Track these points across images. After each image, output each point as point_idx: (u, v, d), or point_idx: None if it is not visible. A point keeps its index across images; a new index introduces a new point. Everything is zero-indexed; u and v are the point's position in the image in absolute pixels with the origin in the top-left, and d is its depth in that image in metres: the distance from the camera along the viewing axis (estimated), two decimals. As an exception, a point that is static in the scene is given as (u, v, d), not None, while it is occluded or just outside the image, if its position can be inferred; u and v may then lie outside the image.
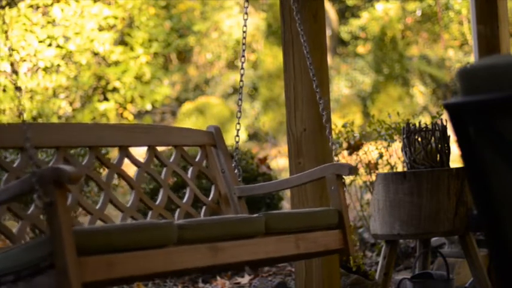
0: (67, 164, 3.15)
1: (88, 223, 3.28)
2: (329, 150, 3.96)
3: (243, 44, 3.84)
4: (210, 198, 3.75)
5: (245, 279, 5.22)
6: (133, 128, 3.57)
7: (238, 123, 3.84)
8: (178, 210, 3.63)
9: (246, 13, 3.84)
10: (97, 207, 3.35)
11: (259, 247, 3.04)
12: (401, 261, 5.32)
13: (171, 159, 3.69)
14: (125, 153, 3.51)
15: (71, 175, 2.41)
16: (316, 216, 3.31)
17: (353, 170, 3.38)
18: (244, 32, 3.84)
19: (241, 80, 3.85)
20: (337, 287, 3.93)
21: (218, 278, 5.31)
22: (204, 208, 3.72)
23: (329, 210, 3.37)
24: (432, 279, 3.93)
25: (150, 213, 3.52)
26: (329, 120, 3.79)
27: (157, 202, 3.57)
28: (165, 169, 3.66)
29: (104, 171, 5.89)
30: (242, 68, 3.84)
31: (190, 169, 3.76)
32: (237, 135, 3.85)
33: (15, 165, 3.14)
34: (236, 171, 3.82)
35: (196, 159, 3.78)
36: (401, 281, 4.12)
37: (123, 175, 3.49)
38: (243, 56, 3.85)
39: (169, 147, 5.53)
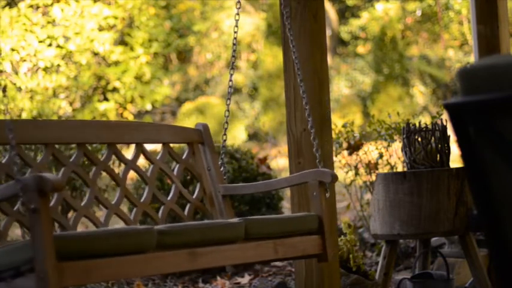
0: (55, 161, 3.18)
1: (73, 220, 3.30)
2: (329, 151, 3.96)
3: (234, 44, 3.84)
4: (194, 196, 3.76)
5: (245, 279, 5.22)
6: (122, 126, 3.58)
7: (226, 122, 3.86)
8: (162, 207, 3.65)
9: (238, 14, 3.84)
10: (82, 204, 3.37)
11: (239, 252, 3.08)
12: (401, 261, 5.32)
13: (158, 157, 3.70)
14: (112, 150, 3.52)
15: (54, 184, 2.49)
16: (296, 222, 3.35)
17: (335, 178, 3.41)
18: (235, 32, 3.85)
19: (230, 80, 3.86)
20: (337, 287, 3.93)
21: (218, 278, 5.31)
22: (188, 206, 3.73)
23: (309, 215, 3.40)
24: (432, 279, 3.93)
25: (134, 210, 3.54)
26: (314, 126, 3.77)
27: (142, 199, 3.58)
28: (151, 166, 3.67)
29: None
30: (232, 68, 3.85)
31: (177, 166, 3.77)
32: (224, 134, 3.87)
33: (3, 161, 3.15)
34: (222, 169, 3.83)
35: (183, 157, 3.79)
36: (401, 281, 4.12)
37: (109, 172, 3.49)
38: (233, 57, 3.86)
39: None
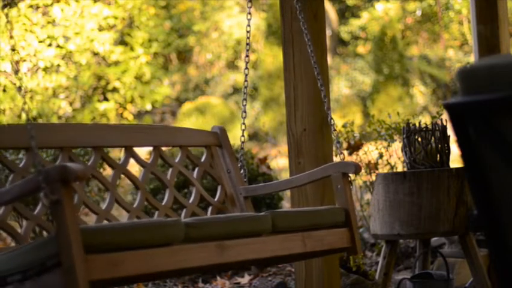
0: (73, 164, 3.12)
1: (94, 223, 3.26)
2: (330, 149, 3.96)
3: (247, 44, 3.83)
4: (216, 199, 3.75)
5: (245, 279, 5.22)
6: (138, 129, 3.56)
7: (244, 124, 3.83)
8: (184, 210, 3.62)
9: (250, 13, 3.83)
10: (103, 207, 3.34)
11: (266, 245, 3.02)
12: (401, 261, 5.32)
13: (177, 160, 3.69)
14: (130, 153, 3.50)
15: (78, 173, 2.39)
16: (323, 215, 3.29)
17: (358, 168, 3.37)
18: (248, 32, 3.84)
19: (245, 80, 3.85)
20: (337, 287, 3.93)
21: (218, 278, 5.31)
22: (210, 208, 3.72)
23: (335, 208, 3.35)
24: (432, 279, 3.93)
25: (156, 213, 3.52)
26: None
27: (164, 202, 3.56)
28: (170, 169, 3.65)
29: (105, 171, 5.88)
30: (246, 68, 3.84)
31: (196, 169, 3.76)
32: (243, 135, 3.85)
33: (21, 165, 3.12)
34: (242, 171, 3.82)
35: (202, 160, 3.77)
36: (401, 281, 4.12)
37: (128, 175, 3.47)
38: (247, 56, 3.84)
39: (169, 148, 5.53)
